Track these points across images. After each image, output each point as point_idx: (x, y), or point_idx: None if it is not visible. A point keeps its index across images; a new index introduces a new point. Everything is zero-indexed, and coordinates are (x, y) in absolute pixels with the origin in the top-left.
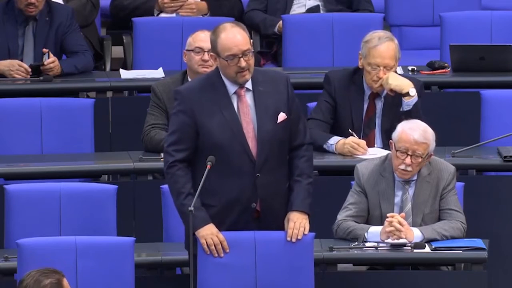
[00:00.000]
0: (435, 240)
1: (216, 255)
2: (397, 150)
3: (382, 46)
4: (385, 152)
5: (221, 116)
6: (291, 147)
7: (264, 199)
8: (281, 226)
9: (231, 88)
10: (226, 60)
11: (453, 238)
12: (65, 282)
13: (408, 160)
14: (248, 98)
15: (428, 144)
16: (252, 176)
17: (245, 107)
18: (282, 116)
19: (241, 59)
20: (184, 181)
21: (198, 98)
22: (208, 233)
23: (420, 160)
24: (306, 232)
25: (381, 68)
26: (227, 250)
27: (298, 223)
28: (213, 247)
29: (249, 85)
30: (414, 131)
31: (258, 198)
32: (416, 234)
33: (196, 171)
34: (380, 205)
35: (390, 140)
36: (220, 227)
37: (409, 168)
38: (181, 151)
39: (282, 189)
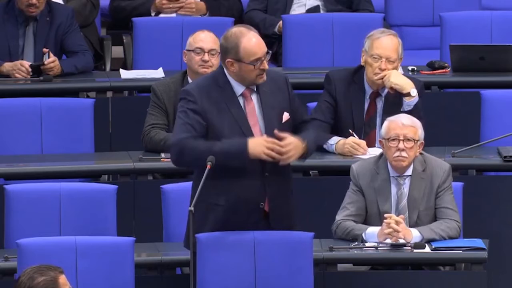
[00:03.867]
0: (433, 240)
1: (281, 156)
2: (388, 140)
3: (385, 38)
4: None
5: (230, 116)
6: (296, 125)
7: (272, 198)
8: (288, 226)
9: (238, 89)
10: (253, 65)
11: (450, 238)
12: (61, 279)
13: (401, 145)
14: (254, 98)
15: (416, 128)
16: (261, 176)
17: (252, 107)
18: (286, 116)
19: (264, 61)
20: (199, 141)
21: (207, 97)
22: (257, 146)
23: (412, 144)
24: (291, 158)
25: (383, 59)
26: (284, 147)
27: (293, 145)
28: (273, 153)
29: (252, 86)
30: (400, 118)
31: (267, 197)
32: (414, 235)
33: (204, 171)
34: (377, 202)
35: (380, 139)
36: (227, 227)
37: (404, 154)
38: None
39: (288, 189)
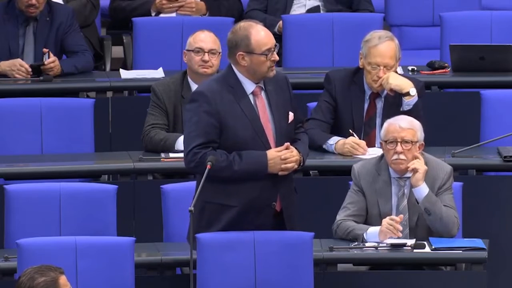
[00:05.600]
0: (434, 210)
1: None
2: (386, 142)
3: (382, 45)
4: None
5: (243, 116)
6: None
7: (283, 197)
8: (298, 225)
9: (248, 88)
10: (266, 55)
11: (446, 226)
12: (62, 280)
13: (399, 147)
14: (263, 96)
15: (415, 130)
16: (273, 175)
17: (263, 105)
18: (291, 116)
19: (274, 52)
20: (219, 153)
21: (220, 98)
22: (275, 165)
23: (410, 146)
24: (293, 166)
25: (381, 67)
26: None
27: (295, 153)
28: (289, 165)
29: (261, 83)
30: (399, 120)
31: (278, 197)
32: (423, 187)
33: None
34: (378, 203)
35: (380, 141)
36: (240, 227)
37: (401, 156)
38: (208, 149)
39: (293, 188)
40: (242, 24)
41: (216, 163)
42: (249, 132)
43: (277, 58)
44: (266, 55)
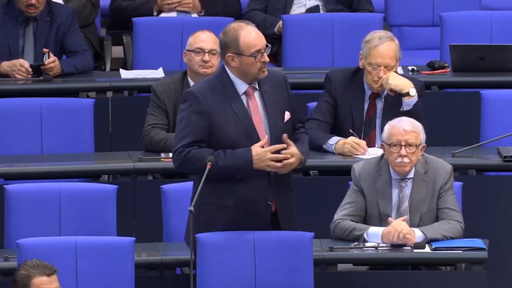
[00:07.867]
0: (436, 239)
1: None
2: (390, 145)
3: (382, 46)
4: None
5: (235, 117)
6: (294, 125)
7: (279, 197)
8: (292, 226)
9: (241, 88)
10: (254, 57)
11: (452, 238)
12: (37, 280)
13: (403, 151)
14: (257, 97)
15: (418, 132)
16: (267, 175)
17: (256, 106)
18: (287, 115)
19: (264, 53)
20: (204, 150)
21: (211, 99)
22: (261, 161)
23: (414, 149)
24: (290, 168)
25: (382, 68)
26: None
27: (295, 158)
28: (277, 165)
29: (255, 84)
30: (401, 123)
31: (273, 196)
32: (417, 234)
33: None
34: (378, 204)
35: (381, 143)
36: (236, 227)
37: (406, 159)
38: (194, 147)
39: (291, 187)
40: (233, 25)
41: (200, 161)
42: (241, 132)
43: (267, 59)
44: (255, 56)
